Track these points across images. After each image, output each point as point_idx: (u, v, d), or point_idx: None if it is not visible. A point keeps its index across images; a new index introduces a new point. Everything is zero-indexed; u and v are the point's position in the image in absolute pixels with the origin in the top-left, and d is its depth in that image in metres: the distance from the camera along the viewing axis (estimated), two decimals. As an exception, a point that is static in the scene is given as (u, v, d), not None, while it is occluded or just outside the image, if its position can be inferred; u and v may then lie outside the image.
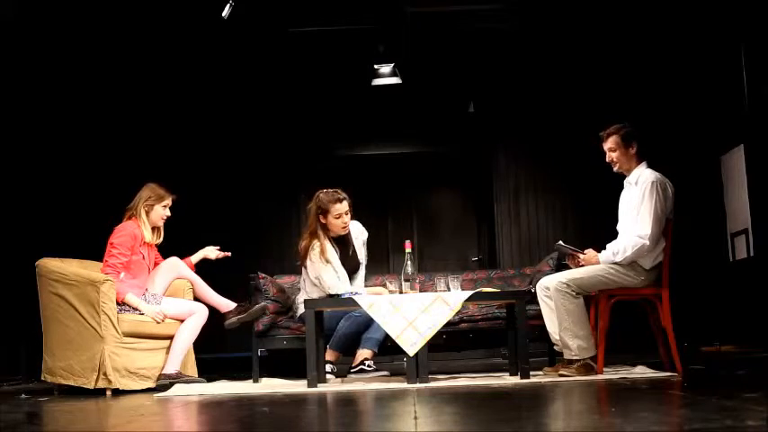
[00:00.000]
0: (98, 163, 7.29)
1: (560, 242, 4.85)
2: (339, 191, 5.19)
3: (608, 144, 4.61)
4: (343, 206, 5.13)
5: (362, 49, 7.66)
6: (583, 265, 4.58)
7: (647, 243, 4.42)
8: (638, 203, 4.49)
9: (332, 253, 5.16)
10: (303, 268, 5.22)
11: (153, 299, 4.94)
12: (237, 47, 7.56)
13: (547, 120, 8.11)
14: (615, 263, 4.48)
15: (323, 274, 5.10)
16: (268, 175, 8.17)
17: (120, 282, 4.83)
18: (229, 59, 7.76)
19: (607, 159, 4.64)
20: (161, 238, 5.15)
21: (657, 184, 4.47)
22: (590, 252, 4.59)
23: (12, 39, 6.15)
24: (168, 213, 5.12)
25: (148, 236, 5.03)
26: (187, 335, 4.95)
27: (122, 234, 4.92)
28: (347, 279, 5.17)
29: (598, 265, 4.51)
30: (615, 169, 4.65)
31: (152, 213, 5.05)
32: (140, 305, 4.84)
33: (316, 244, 5.14)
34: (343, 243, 5.27)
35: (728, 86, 7.09)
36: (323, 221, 5.16)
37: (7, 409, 3.91)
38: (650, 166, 4.63)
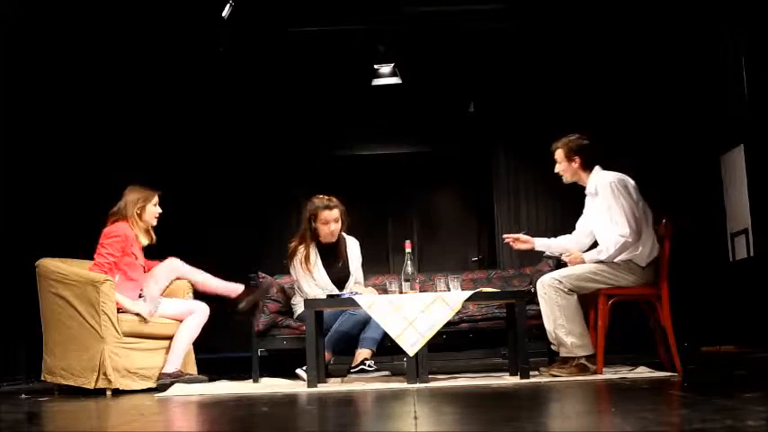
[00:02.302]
0: (98, 163, 7.28)
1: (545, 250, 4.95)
2: (333, 198, 5.24)
3: (554, 156, 4.75)
4: (332, 214, 5.18)
5: (362, 49, 7.65)
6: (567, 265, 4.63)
7: (630, 240, 4.46)
8: (608, 209, 4.51)
9: (314, 261, 5.22)
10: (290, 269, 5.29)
11: (150, 299, 4.92)
12: (237, 47, 7.56)
13: (547, 120, 8.09)
14: (602, 261, 4.51)
15: (301, 281, 5.21)
16: (268, 175, 8.17)
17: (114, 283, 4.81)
18: (229, 60, 7.75)
19: (555, 170, 4.75)
20: (153, 240, 5.11)
21: (615, 184, 4.50)
22: (574, 252, 4.63)
23: (11, 37, 6.14)
24: (160, 210, 5.09)
25: (145, 239, 5.01)
26: (187, 333, 4.94)
27: (114, 234, 4.88)
28: (331, 287, 5.18)
29: (591, 264, 4.54)
30: (564, 181, 4.76)
31: (145, 214, 5.02)
32: (126, 304, 4.80)
33: (301, 249, 5.21)
34: (332, 252, 5.30)
35: (728, 86, 7.09)
36: (314, 225, 5.22)
37: (7, 409, 3.91)
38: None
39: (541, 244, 4.89)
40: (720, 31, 7.19)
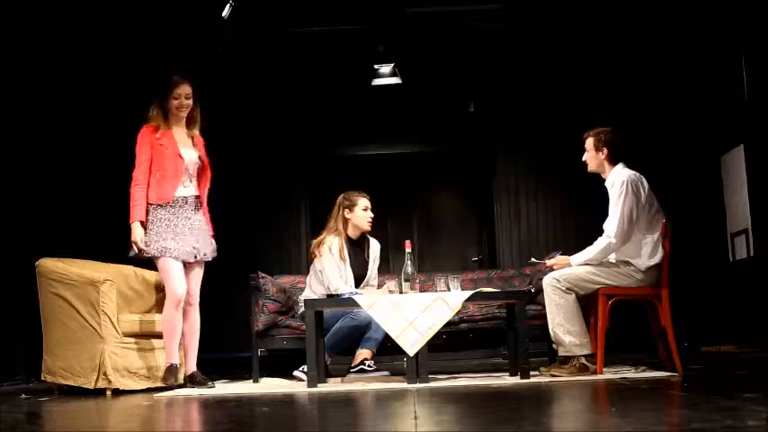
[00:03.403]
0: (98, 163, 7.28)
1: (532, 258, 4.97)
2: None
3: (585, 144, 4.78)
4: (368, 201, 5.30)
5: (362, 49, 7.65)
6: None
7: (613, 241, 4.50)
8: (614, 204, 4.55)
9: (346, 253, 5.22)
10: (312, 264, 5.26)
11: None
12: (238, 47, 7.55)
13: (547, 120, 8.10)
14: (589, 263, 4.54)
15: (328, 268, 5.14)
16: (268, 175, 8.17)
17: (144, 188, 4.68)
18: (230, 60, 7.75)
19: (582, 158, 4.77)
20: (197, 126, 5.04)
21: (628, 184, 4.53)
22: (559, 257, 4.68)
23: (11, 37, 6.14)
24: (184, 93, 4.91)
25: (184, 118, 4.90)
26: (162, 330, 4.69)
27: (136, 143, 4.84)
28: (352, 282, 5.18)
29: (586, 265, 4.55)
30: (588, 169, 4.77)
31: (171, 103, 4.87)
32: (134, 231, 4.59)
33: (334, 239, 5.20)
34: (358, 248, 5.31)
35: (728, 86, 7.09)
36: (347, 216, 5.26)
37: (7, 409, 3.91)
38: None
39: (576, 258, 4.64)
40: (720, 31, 7.20)
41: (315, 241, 5.32)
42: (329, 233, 5.27)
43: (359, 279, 5.28)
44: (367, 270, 5.35)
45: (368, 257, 5.37)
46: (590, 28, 7.53)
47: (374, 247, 5.44)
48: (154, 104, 4.92)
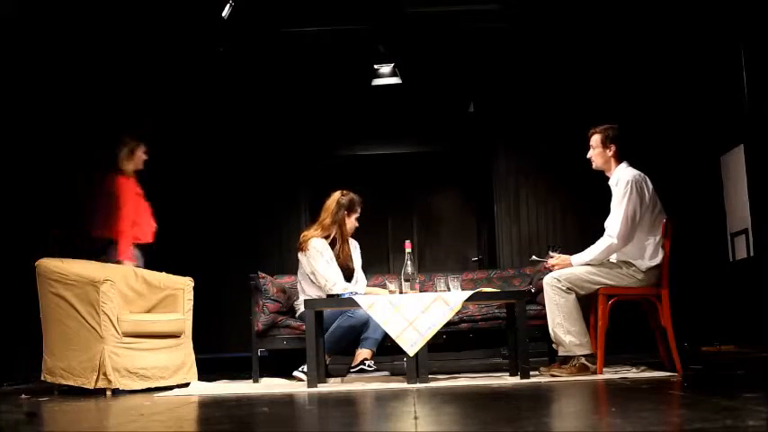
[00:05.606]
0: (97, 163, 7.28)
1: (534, 257, 4.96)
2: None
3: (590, 141, 4.76)
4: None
5: (362, 49, 7.65)
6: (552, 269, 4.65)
7: (615, 242, 4.49)
8: (618, 203, 4.54)
9: (334, 253, 5.21)
10: (300, 267, 5.24)
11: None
12: (238, 47, 7.56)
13: (547, 120, 8.11)
14: (590, 263, 4.53)
15: (320, 267, 5.13)
16: (268, 175, 8.17)
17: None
18: (230, 60, 7.75)
19: (587, 155, 4.75)
20: None
21: (632, 183, 4.53)
22: (561, 256, 4.66)
23: (12, 36, 6.14)
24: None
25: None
26: None
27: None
28: (342, 278, 5.18)
29: (588, 265, 4.55)
30: (593, 166, 4.75)
31: (136, 159, 5.86)
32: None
33: (322, 242, 5.17)
34: (338, 245, 5.32)
35: (728, 86, 7.09)
36: (343, 218, 5.25)
37: (7, 409, 3.91)
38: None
39: (577, 258, 4.62)
40: (720, 31, 7.19)
41: (305, 234, 5.29)
42: (324, 231, 5.24)
43: (346, 276, 5.26)
44: (351, 269, 5.34)
45: (351, 256, 5.37)
46: (590, 28, 7.53)
47: (356, 246, 5.45)
48: (126, 159, 5.85)
